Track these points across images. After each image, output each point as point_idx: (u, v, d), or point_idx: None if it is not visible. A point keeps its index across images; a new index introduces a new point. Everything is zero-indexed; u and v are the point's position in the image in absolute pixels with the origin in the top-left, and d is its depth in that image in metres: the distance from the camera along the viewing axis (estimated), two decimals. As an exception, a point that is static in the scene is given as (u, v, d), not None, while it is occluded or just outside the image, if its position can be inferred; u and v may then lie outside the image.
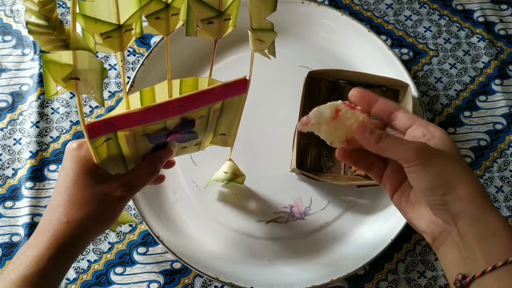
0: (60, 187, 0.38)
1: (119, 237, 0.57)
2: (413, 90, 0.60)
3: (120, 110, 0.37)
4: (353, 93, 0.36)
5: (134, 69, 0.62)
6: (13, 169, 0.60)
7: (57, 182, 0.39)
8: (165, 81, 0.40)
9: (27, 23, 0.26)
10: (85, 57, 0.29)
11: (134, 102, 0.39)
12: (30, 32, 0.27)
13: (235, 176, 0.56)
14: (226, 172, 0.55)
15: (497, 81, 0.66)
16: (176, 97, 0.37)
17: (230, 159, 0.54)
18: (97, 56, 0.31)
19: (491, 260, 0.30)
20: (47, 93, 0.30)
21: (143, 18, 0.33)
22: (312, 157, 0.59)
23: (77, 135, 0.62)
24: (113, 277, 0.55)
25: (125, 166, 0.42)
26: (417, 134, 0.35)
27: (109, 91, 0.64)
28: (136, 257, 0.56)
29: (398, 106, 0.38)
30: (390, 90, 0.62)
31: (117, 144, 0.39)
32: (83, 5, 0.29)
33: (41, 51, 0.65)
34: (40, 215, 0.57)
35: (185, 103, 0.38)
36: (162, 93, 0.40)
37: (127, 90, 0.58)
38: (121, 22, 0.31)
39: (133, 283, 0.55)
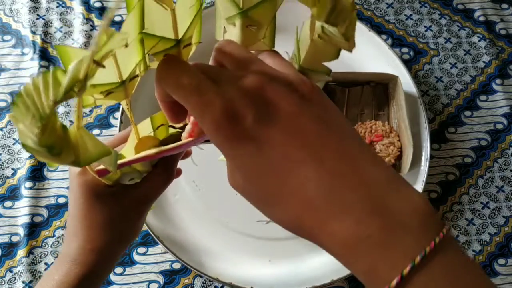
0: (75, 212, 0.36)
1: (119, 237, 0.57)
2: (411, 86, 0.60)
3: (130, 142, 0.34)
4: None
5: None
6: (12, 168, 0.60)
7: (70, 204, 0.36)
8: None
9: (24, 146, 0.21)
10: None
11: (145, 128, 0.35)
12: (28, 151, 0.21)
13: None
14: None
15: (498, 81, 0.66)
16: (192, 139, 0.32)
17: None
18: (111, 153, 0.27)
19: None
20: (50, 166, 0.27)
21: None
22: None
23: (77, 135, 0.62)
24: (112, 277, 0.55)
25: (139, 174, 0.39)
26: None
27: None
28: (136, 257, 0.56)
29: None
30: (380, 85, 0.62)
31: (130, 166, 0.36)
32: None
33: (43, 52, 0.65)
34: (40, 215, 0.57)
35: (202, 138, 0.33)
36: None
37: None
38: (124, 78, 0.27)
39: (133, 283, 0.55)
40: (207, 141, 0.37)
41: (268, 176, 0.24)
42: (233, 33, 0.30)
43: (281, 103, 0.24)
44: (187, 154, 0.45)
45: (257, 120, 0.23)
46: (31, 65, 0.65)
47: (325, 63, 0.30)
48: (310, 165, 0.23)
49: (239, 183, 0.25)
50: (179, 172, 0.45)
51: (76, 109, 0.23)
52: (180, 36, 0.27)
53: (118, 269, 0.55)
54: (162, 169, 0.38)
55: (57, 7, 0.68)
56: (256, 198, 0.25)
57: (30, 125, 0.20)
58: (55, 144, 0.21)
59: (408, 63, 0.67)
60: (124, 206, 0.36)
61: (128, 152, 0.34)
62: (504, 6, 0.71)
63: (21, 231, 0.56)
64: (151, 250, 0.56)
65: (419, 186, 0.56)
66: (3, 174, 0.59)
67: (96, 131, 0.62)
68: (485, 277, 0.23)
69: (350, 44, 0.25)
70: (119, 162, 0.32)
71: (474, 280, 0.22)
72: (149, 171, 0.38)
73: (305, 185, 0.23)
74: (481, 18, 0.70)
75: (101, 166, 0.32)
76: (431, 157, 0.59)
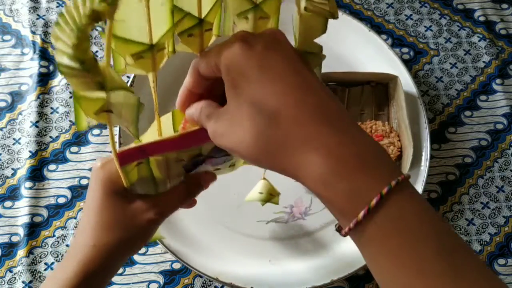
0: (87, 209, 0.36)
1: (119, 237, 0.57)
2: (411, 86, 0.60)
3: (151, 134, 0.35)
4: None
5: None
6: (12, 169, 0.60)
7: (85, 203, 0.37)
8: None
9: (59, 65, 0.24)
10: (120, 93, 0.27)
11: (166, 123, 0.36)
12: (61, 73, 0.25)
13: (271, 196, 0.52)
14: (261, 193, 0.52)
15: (498, 81, 0.66)
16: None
17: (264, 178, 0.52)
18: (133, 92, 0.29)
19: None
20: (78, 127, 0.28)
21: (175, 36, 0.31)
22: None
23: (77, 135, 0.62)
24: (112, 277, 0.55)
25: (155, 187, 0.39)
26: None
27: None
28: (136, 257, 0.56)
29: None
30: (380, 84, 0.62)
31: (149, 168, 0.36)
32: (113, 25, 0.27)
33: (43, 52, 0.65)
34: (40, 215, 0.57)
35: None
36: None
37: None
38: (154, 42, 0.29)
39: (133, 283, 0.55)
40: (222, 155, 0.39)
41: (266, 96, 0.27)
42: (245, 26, 0.32)
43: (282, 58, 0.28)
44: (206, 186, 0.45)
45: (264, 48, 0.27)
46: (31, 65, 0.65)
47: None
48: (298, 87, 0.27)
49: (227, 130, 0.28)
50: (194, 202, 0.44)
51: (106, 41, 0.25)
52: (203, 17, 0.30)
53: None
54: (186, 186, 0.38)
55: (57, 7, 0.68)
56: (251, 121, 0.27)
57: (68, 37, 0.23)
58: (86, 60, 0.24)
59: (408, 63, 0.67)
60: (136, 211, 0.35)
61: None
62: (504, 6, 0.71)
63: (21, 231, 0.56)
64: (151, 250, 0.56)
65: (419, 186, 0.56)
66: (3, 174, 0.59)
67: (96, 131, 0.62)
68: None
69: (332, 9, 0.28)
70: (140, 144, 0.33)
71: (437, 214, 0.26)
72: (164, 184, 0.38)
73: (291, 109, 0.26)
74: (481, 18, 0.70)
75: (125, 147, 0.33)
76: (431, 157, 0.59)
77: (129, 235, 0.36)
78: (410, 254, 0.24)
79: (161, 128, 0.35)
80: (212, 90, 0.32)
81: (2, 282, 0.54)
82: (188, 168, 0.39)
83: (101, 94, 0.27)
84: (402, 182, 0.24)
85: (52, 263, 0.55)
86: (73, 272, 0.34)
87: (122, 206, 0.35)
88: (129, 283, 0.55)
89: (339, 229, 0.27)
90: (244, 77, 0.27)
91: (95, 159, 0.60)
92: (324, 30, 0.31)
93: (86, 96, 0.27)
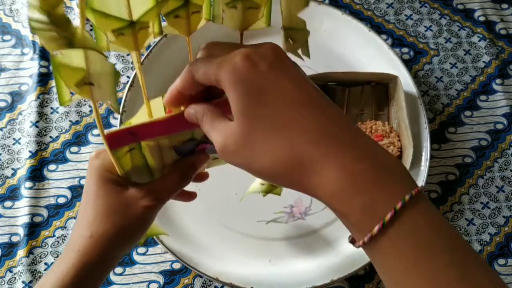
0: (83, 199, 0.36)
1: (119, 237, 0.57)
2: (411, 86, 0.60)
3: (141, 117, 0.34)
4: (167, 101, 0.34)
5: (134, 68, 0.62)
6: (12, 169, 0.60)
7: (82, 194, 0.37)
8: None
9: (30, 19, 0.24)
10: (96, 60, 0.27)
11: (157, 108, 0.36)
12: (32, 29, 0.25)
13: (273, 187, 0.52)
14: (262, 184, 0.51)
15: (498, 81, 0.66)
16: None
17: None
18: (107, 57, 0.28)
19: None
20: (60, 100, 0.28)
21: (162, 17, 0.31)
22: None
23: (77, 135, 0.62)
24: (112, 277, 0.55)
25: (151, 175, 0.38)
26: None
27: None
28: (136, 257, 0.56)
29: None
30: (380, 84, 0.62)
31: (142, 154, 0.36)
32: None
33: (43, 52, 0.65)
34: (40, 215, 0.57)
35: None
36: None
37: (127, 90, 0.58)
38: (134, 19, 0.28)
39: (133, 283, 0.55)
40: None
41: (273, 112, 0.27)
42: (234, 16, 0.32)
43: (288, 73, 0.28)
44: (203, 177, 0.45)
45: (269, 67, 0.27)
46: (31, 65, 0.65)
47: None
48: (308, 107, 0.27)
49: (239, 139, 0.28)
50: (194, 195, 0.44)
51: (79, 4, 0.25)
52: None
53: (118, 269, 0.55)
54: (177, 169, 0.37)
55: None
56: (260, 133, 0.27)
57: None
58: (54, 14, 0.24)
59: (408, 63, 0.67)
60: (130, 198, 0.35)
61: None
62: (504, 6, 0.71)
63: (21, 231, 0.56)
64: (151, 250, 0.56)
65: (419, 186, 0.56)
66: (3, 174, 0.59)
67: (96, 131, 0.62)
68: (454, 229, 0.26)
69: None
70: (129, 126, 0.32)
71: (450, 226, 0.26)
72: (160, 173, 0.37)
73: (304, 124, 0.26)
74: (481, 18, 0.70)
75: (114, 129, 0.32)
76: (431, 157, 0.59)
77: (125, 223, 0.35)
78: (423, 267, 0.24)
79: (152, 111, 0.35)
80: (202, 92, 0.32)
81: (2, 282, 0.54)
82: (182, 154, 0.38)
83: (80, 63, 0.26)
84: (416, 196, 0.25)
85: (52, 263, 0.55)
86: (72, 263, 0.34)
87: (116, 194, 0.35)
88: (129, 283, 0.55)
89: (352, 241, 0.27)
90: (252, 96, 0.27)
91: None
92: (306, 3, 0.31)
93: (64, 63, 0.26)
